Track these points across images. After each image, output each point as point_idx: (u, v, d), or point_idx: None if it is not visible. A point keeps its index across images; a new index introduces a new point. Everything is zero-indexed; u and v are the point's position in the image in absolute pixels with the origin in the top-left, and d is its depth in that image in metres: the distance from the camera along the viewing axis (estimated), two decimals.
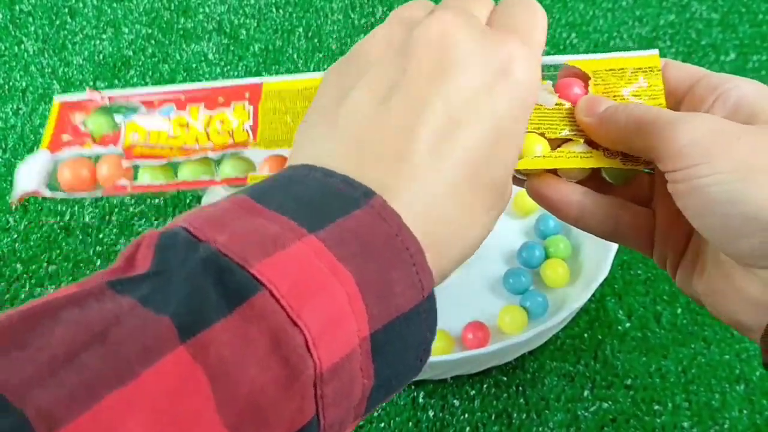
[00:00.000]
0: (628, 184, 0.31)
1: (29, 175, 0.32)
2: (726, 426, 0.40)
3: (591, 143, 0.29)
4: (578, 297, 0.41)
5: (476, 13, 0.26)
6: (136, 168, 0.32)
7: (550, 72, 0.32)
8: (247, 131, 0.32)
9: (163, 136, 0.32)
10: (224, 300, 0.18)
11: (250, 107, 0.32)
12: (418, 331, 0.22)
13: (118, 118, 0.33)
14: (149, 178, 0.32)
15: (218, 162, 0.32)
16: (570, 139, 0.30)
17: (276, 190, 0.21)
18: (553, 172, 0.30)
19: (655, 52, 0.31)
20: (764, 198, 0.24)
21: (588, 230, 0.30)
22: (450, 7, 0.25)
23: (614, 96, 0.30)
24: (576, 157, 0.29)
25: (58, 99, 0.34)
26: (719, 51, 0.61)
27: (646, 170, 0.31)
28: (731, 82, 0.28)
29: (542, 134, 0.30)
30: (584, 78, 0.31)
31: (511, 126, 0.24)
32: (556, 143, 0.30)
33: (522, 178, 0.31)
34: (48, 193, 0.32)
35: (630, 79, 0.30)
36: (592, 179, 0.31)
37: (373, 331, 0.20)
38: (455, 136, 0.23)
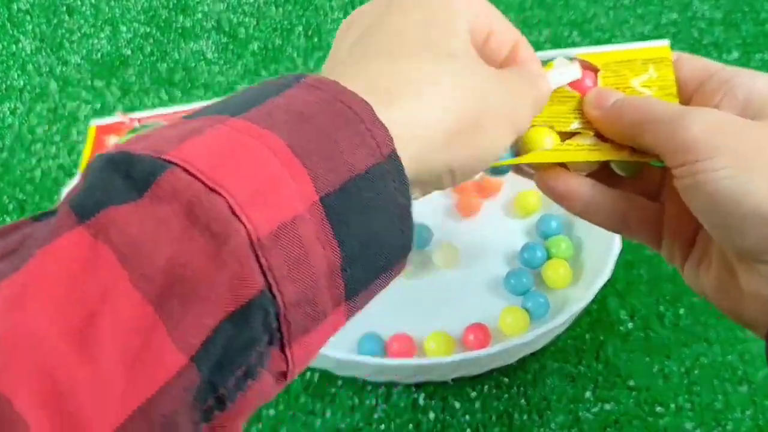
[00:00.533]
0: (637, 177, 0.31)
1: None
2: (729, 427, 0.40)
3: (600, 136, 0.29)
4: (580, 298, 0.41)
5: None
6: None
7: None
8: None
9: None
10: (132, 186, 0.17)
11: None
12: (384, 193, 0.20)
13: None
14: None
15: None
16: (579, 132, 0.30)
17: (213, 105, 0.20)
18: (563, 164, 0.30)
19: (666, 42, 0.31)
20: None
21: (596, 223, 0.30)
22: None
23: (624, 87, 0.30)
24: (584, 150, 0.29)
25: (93, 123, 0.36)
26: (722, 50, 0.60)
27: (656, 164, 0.31)
28: (743, 75, 0.27)
29: (551, 127, 0.30)
30: (595, 70, 0.31)
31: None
32: (565, 136, 0.30)
33: (531, 171, 0.31)
34: None
35: (640, 70, 0.30)
36: (601, 172, 0.31)
37: (323, 194, 0.18)
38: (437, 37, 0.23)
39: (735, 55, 0.60)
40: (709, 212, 0.25)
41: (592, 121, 0.29)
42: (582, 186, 0.29)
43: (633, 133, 0.27)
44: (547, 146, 0.29)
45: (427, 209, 0.49)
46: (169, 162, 0.17)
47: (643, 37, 0.62)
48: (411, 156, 0.21)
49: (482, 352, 0.38)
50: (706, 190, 0.25)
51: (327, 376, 0.42)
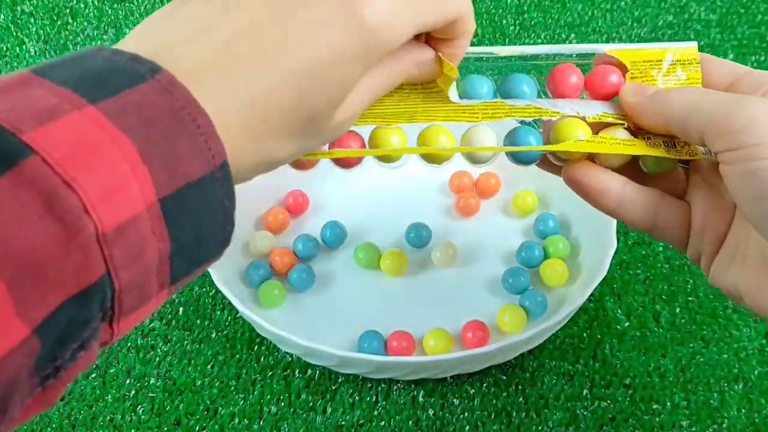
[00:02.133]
0: (664, 176, 0.31)
1: None
2: (725, 425, 0.40)
3: (631, 131, 0.29)
4: (577, 296, 0.41)
5: None
6: None
7: (585, 60, 0.32)
8: None
9: None
10: None
11: None
12: (213, 197, 0.22)
13: None
14: None
15: None
16: (609, 125, 0.30)
17: (60, 65, 0.21)
18: (590, 159, 0.30)
19: (694, 44, 0.31)
20: None
21: (625, 220, 0.30)
22: None
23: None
24: (619, 144, 0.29)
25: None
26: (718, 52, 0.61)
27: (681, 165, 0.31)
28: None
29: (583, 118, 0.30)
30: (621, 67, 0.31)
31: (331, 60, 0.24)
32: (596, 129, 0.30)
33: (559, 164, 0.31)
34: None
35: (668, 71, 0.31)
36: (629, 169, 0.30)
37: (161, 196, 0.20)
38: (271, 52, 0.23)
39: (730, 57, 0.61)
40: (758, 201, 0.25)
41: (629, 110, 0.29)
42: (615, 182, 0.29)
43: (681, 118, 0.27)
44: (580, 137, 0.29)
45: (426, 209, 0.50)
46: (30, 147, 0.19)
47: (640, 39, 0.63)
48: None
49: (481, 350, 0.38)
50: (756, 178, 0.24)
51: (327, 374, 0.42)
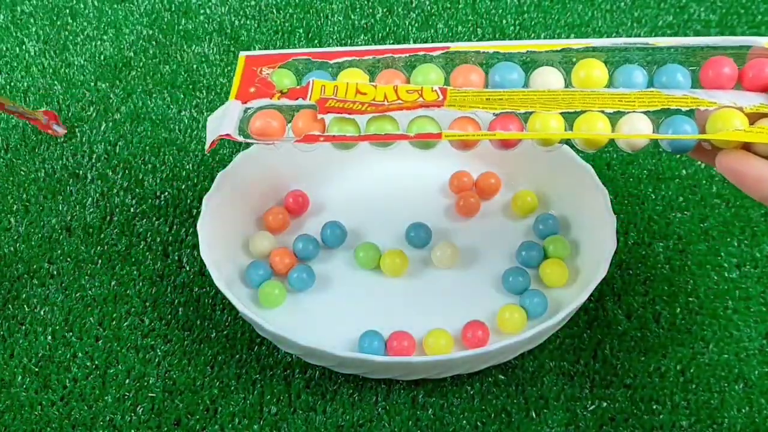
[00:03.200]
0: None
1: (221, 122, 0.35)
2: (725, 425, 0.40)
3: None
4: (577, 296, 0.41)
5: None
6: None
7: (738, 51, 0.34)
8: (436, 92, 0.34)
9: (351, 92, 0.34)
10: None
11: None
12: None
13: (305, 75, 0.36)
14: (337, 131, 0.34)
15: (411, 122, 0.34)
16: (766, 116, 0.31)
17: None
18: (746, 147, 0.31)
19: None
20: None
21: None
22: None
23: None
24: None
25: (242, 54, 0.37)
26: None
27: None
28: None
29: (740, 109, 0.31)
30: None
31: None
32: (752, 119, 0.31)
33: (709, 148, 0.32)
34: (240, 138, 0.35)
35: None
36: None
37: None
38: None
39: None
40: None
41: None
42: None
43: None
44: (738, 127, 0.30)
45: (427, 209, 0.50)
46: None
47: None
48: None
49: (481, 350, 0.38)
50: None
51: (328, 374, 0.42)
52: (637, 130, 0.32)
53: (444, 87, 0.34)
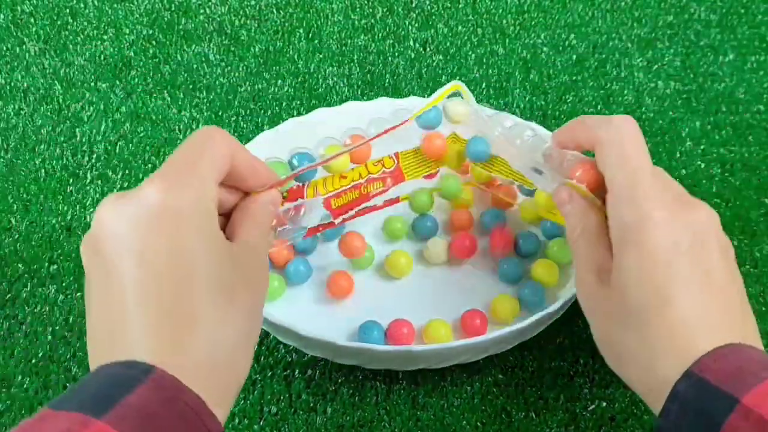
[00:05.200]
0: None
1: None
2: None
3: None
4: (574, 287, 0.41)
5: None
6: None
7: None
8: (392, 158, 0.43)
9: (337, 180, 0.42)
10: None
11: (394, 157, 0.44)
12: None
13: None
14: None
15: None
16: None
17: (72, 393, 0.26)
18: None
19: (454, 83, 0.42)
20: None
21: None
22: None
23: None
24: None
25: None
26: (718, 52, 0.61)
27: None
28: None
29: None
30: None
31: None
32: None
33: None
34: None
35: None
36: None
37: None
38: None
39: (730, 57, 0.61)
40: None
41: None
42: None
43: None
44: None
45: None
46: None
47: (640, 40, 0.63)
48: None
49: (480, 338, 0.39)
50: None
51: (328, 374, 0.42)
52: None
53: (397, 152, 0.44)
